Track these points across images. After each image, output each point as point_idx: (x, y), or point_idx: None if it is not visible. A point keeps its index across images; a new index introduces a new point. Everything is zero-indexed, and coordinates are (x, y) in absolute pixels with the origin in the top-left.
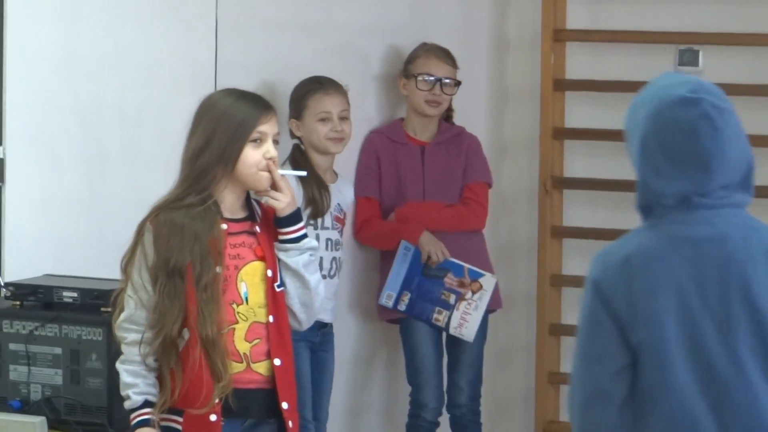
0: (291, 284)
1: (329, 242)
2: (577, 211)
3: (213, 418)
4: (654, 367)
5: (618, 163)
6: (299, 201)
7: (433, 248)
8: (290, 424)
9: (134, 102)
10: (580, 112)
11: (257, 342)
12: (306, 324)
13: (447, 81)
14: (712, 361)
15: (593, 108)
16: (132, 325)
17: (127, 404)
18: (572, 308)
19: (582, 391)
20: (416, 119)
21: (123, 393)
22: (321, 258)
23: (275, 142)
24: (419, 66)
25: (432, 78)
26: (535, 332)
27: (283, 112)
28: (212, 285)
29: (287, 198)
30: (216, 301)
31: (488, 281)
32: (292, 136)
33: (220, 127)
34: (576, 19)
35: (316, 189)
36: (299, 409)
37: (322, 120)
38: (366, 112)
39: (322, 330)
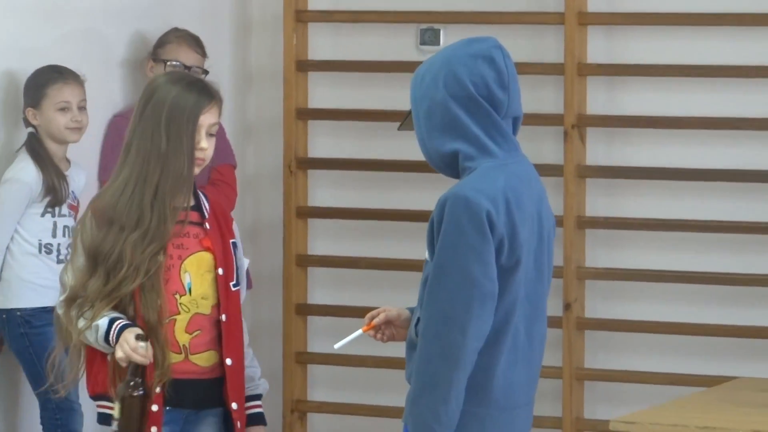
0: None
1: (66, 229)
2: (322, 191)
3: (155, 408)
4: (519, 282)
5: (362, 143)
6: (39, 190)
7: None
8: (239, 425)
9: None
10: (323, 92)
11: (198, 333)
12: None
13: (195, 69)
14: (535, 284)
15: (336, 88)
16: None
17: (92, 335)
18: (318, 288)
19: (468, 293)
20: None
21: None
22: (59, 245)
23: (212, 134)
24: (169, 52)
25: (180, 65)
26: (282, 312)
27: (20, 99)
28: (154, 273)
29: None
30: (157, 290)
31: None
32: (27, 124)
33: (167, 118)
34: None
35: (55, 178)
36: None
37: (62, 110)
38: (110, 97)
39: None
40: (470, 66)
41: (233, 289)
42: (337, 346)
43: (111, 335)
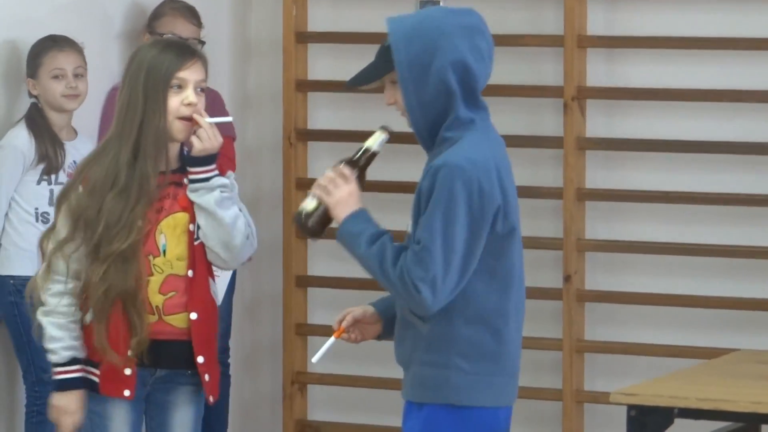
0: (206, 225)
1: None
2: (321, 162)
3: (128, 371)
4: (515, 249)
5: (361, 114)
6: (32, 157)
7: None
8: (206, 377)
9: None
10: (323, 64)
11: (172, 295)
12: (233, 263)
13: (192, 41)
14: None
15: (336, 60)
16: (57, 276)
17: (52, 358)
18: (318, 259)
19: (448, 259)
20: None
21: (48, 346)
22: None
23: (201, 90)
24: (164, 24)
25: (177, 37)
26: (282, 284)
27: (21, 71)
28: (134, 240)
29: (211, 144)
30: (137, 257)
31: None
32: (30, 95)
33: (144, 78)
34: None
35: (49, 145)
36: None
37: (56, 77)
38: (109, 69)
39: None
40: (468, 38)
41: (196, 243)
42: (315, 359)
43: (55, 370)
